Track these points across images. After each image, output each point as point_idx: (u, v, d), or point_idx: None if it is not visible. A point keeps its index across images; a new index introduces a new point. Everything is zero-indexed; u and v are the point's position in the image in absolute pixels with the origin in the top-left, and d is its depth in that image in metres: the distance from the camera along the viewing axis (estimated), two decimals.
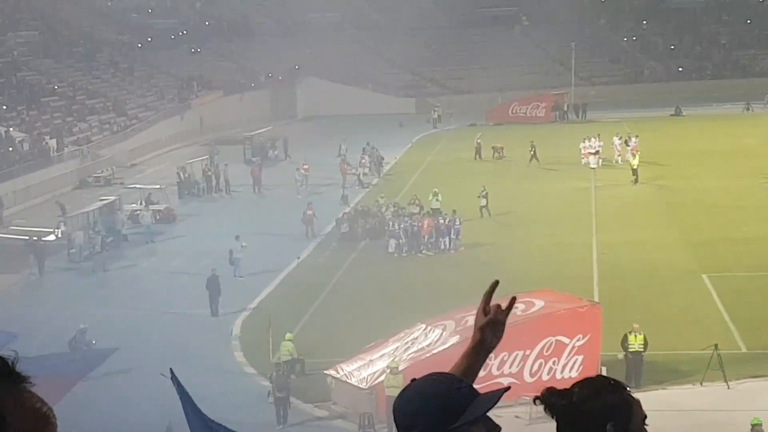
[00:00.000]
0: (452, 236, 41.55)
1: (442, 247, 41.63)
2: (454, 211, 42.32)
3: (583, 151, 54.96)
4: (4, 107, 60.76)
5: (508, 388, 2.96)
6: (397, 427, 2.85)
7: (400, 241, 42.41)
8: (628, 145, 55.66)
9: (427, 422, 2.69)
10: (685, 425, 21.06)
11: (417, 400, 2.78)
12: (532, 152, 57.31)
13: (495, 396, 2.69)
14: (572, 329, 27.19)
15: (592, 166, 53.07)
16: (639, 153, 54.23)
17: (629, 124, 63.04)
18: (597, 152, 54.12)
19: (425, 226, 42.08)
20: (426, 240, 42.01)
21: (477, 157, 57.57)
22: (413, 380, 2.84)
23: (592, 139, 55.08)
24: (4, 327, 25.29)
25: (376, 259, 41.96)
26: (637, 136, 56.73)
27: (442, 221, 42.52)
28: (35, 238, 42.59)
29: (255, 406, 27.31)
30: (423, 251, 41.52)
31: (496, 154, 57.40)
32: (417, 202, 46.28)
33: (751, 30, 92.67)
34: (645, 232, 42.64)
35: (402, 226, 42.90)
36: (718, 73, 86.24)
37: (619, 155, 54.60)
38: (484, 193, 45.83)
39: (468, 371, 2.96)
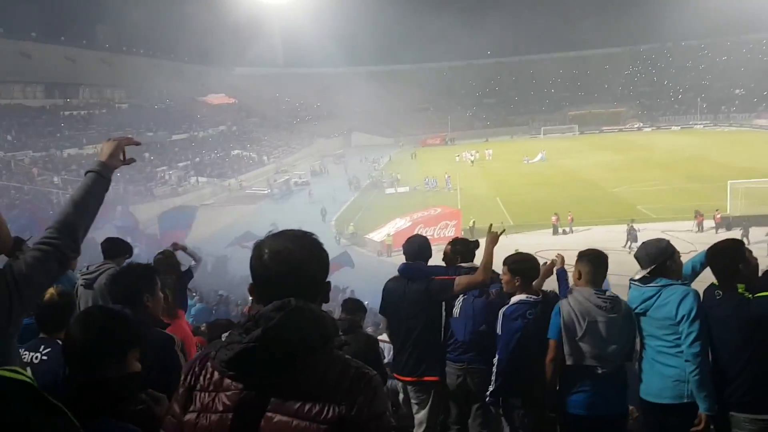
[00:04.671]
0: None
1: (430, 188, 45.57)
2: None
3: (462, 155, 61.93)
4: (248, 146, 69.66)
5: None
6: (405, 256, 4.19)
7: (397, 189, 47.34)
8: (486, 153, 62.59)
9: (415, 253, 4.11)
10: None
11: (415, 244, 4.21)
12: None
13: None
14: (450, 218, 31.58)
15: (459, 160, 60.25)
16: (491, 156, 61.66)
17: (473, 145, 71.33)
18: (460, 156, 61.44)
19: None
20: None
21: (412, 157, 66.62)
22: (410, 237, 4.36)
23: (465, 152, 62.30)
24: (251, 226, 25.35)
25: (382, 194, 47.11)
26: (490, 150, 64.27)
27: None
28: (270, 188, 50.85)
29: (341, 247, 29.73)
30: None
31: (414, 157, 65.83)
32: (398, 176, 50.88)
33: (516, 104, 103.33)
34: (475, 182, 46.67)
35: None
36: (503, 123, 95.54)
37: (479, 158, 61.01)
38: (398, 176, 50.71)
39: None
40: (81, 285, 4.22)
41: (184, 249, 5.79)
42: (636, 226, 27.28)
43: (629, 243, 24.93)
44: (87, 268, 4.28)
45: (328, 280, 1.58)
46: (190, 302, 12.27)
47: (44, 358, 2.62)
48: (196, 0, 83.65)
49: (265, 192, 49.96)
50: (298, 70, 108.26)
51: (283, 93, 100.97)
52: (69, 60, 60.14)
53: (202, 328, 7.72)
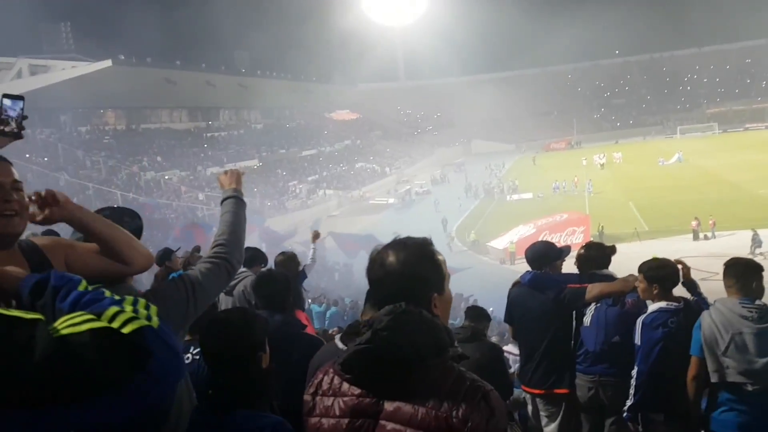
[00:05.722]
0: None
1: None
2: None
3: (594, 159, 57.75)
4: (371, 158, 70.57)
5: (569, 247, 4.06)
6: (527, 262, 3.96)
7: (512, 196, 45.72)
8: (614, 156, 58.72)
9: (538, 259, 3.91)
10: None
11: (537, 248, 3.99)
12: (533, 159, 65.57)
13: (567, 250, 3.90)
14: (578, 224, 30.41)
15: (586, 163, 56.88)
16: (621, 159, 57.86)
17: (601, 147, 66.17)
18: (588, 159, 57.61)
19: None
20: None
21: (533, 162, 64.11)
22: (533, 243, 4.06)
23: (595, 156, 58.04)
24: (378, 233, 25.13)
25: (504, 201, 46.04)
26: (619, 153, 60.24)
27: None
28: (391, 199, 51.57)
29: (462, 255, 30.37)
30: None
31: (535, 163, 63.60)
32: (516, 183, 50.12)
33: (649, 103, 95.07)
34: (604, 185, 45.01)
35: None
36: (635, 124, 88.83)
37: (606, 161, 56.95)
38: (516, 183, 49.73)
39: None
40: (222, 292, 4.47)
41: (316, 238, 6.52)
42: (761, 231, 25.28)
43: (753, 248, 23.93)
44: None
45: (436, 293, 1.54)
46: (319, 308, 12.99)
47: (196, 357, 2.80)
48: (322, 24, 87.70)
49: (386, 202, 50.39)
50: (418, 82, 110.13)
51: (403, 105, 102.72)
52: (210, 85, 64.90)
53: (330, 332, 7.98)
